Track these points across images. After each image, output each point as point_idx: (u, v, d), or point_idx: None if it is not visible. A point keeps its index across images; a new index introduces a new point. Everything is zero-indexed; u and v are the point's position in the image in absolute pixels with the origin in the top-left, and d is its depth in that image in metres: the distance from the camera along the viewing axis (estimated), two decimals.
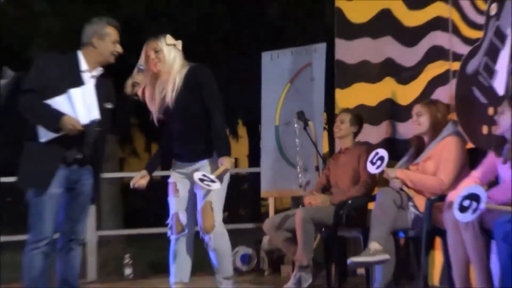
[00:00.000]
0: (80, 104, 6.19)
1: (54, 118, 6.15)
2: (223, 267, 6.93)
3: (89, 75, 6.39)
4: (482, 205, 5.63)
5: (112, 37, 6.42)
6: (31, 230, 6.35)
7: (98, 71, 6.44)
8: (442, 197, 6.66)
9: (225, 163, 6.65)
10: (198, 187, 6.80)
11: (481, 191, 5.69)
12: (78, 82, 6.31)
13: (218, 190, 6.73)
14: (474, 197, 5.70)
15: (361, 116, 8.51)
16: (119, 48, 6.44)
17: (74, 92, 6.19)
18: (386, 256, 6.69)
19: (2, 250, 12.72)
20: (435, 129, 7.05)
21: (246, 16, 14.93)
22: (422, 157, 7.04)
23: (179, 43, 6.88)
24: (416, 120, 7.14)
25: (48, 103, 6.18)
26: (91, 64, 6.41)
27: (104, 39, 6.39)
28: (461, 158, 6.89)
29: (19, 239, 7.83)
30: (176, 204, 6.99)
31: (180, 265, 7.03)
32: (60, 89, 6.21)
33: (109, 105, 6.46)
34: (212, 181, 6.56)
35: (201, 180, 6.53)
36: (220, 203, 6.85)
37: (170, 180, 7.14)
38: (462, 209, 5.71)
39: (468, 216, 5.70)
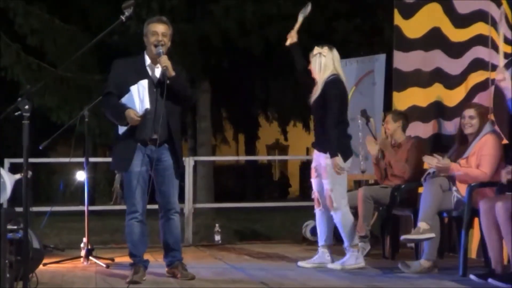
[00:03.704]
0: (137, 98, 6.27)
1: (121, 114, 6.30)
2: (345, 237, 7.20)
3: (154, 67, 6.46)
4: None
5: (151, 29, 6.43)
6: (127, 203, 6.55)
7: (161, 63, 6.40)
8: (481, 184, 6.64)
9: (333, 164, 6.98)
10: (324, 177, 7.09)
11: None
12: (143, 74, 6.40)
13: (336, 181, 7.05)
14: None
15: (402, 112, 8.49)
16: (157, 38, 6.38)
17: (133, 88, 6.29)
18: (432, 235, 6.67)
19: (114, 217, 12.94)
20: (480, 130, 7.00)
21: (320, 31, 14.88)
22: (468, 153, 6.94)
23: (324, 50, 7.15)
24: (468, 122, 6.99)
25: (122, 102, 6.33)
26: (151, 58, 6.48)
27: (147, 35, 6.45)
28: (498, 152, 6.82)
29: None
30: (316, 185, 7.27)
31: (322, 232, 7.31)
32: (129, 86, 6.32)
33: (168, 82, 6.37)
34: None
35: None
36: (338, 191, 7.08)
37: (312, 165, 7.33)
38: None
39: None
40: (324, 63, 7.17)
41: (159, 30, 6.42)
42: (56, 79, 13.06)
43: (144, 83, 6.31)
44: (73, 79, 13.28)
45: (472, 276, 6.08)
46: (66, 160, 9.03)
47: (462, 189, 6.82)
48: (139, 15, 12.39)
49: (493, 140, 6.87)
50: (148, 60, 6.49)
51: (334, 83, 7.12)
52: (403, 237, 6.88)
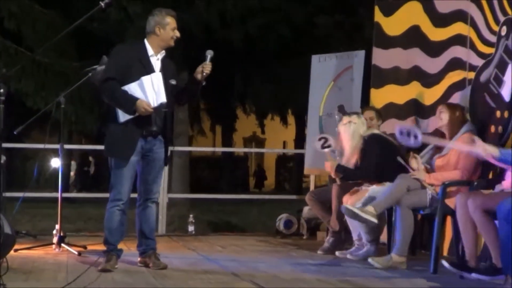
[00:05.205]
0: (150, 90, 6.29)
1: (130, 103, 6.26)
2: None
3: (155, 59, 6.50)
4: None
5: (171, 25, 6.48)
6: (112, 190, 6.52)
7: (162, 54, 6.55)
8: (455, 183, 6.68)
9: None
10: None
11: None
12: (148, 66, 6.42)
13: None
14: None
15: (380, 111, 8.54)
16: (177, 34, 6.52)
17: (145, 79, 6.31)
18: (374, 220, 6.82)
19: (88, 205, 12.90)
20: (453, 125, 7.01)
21: (301, 25, 14.90)
22: (446, 150, 6.98)
23: (353, 118, 7.74)
24: (439, 116, 7.13)
25: (125, 89, 6.30)
26: (155, 49, 6.50)
27: (165, 27, 6.46)
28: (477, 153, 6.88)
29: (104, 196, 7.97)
30: None
31: None
32: (134, 75, 6.33)
33: (173, 82, 6.56)
34: None
35: None
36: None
37: None
38: None
39: None
40: (354, 129, 7.70)
41: (176, 25, 6.51)
42: (33, 64, 13.00)
43: (158, 76, 6.38)
44: (51, 64, 13.22)
45: (445, 263, 6.10)
46: (41, 146, 8.99)
47: (437, 188, 6.86)
48: (119, 2, 12.35)
49: (471, 139, 6.90)
50: (150, 50, 6.50)
51: (367, 140, 7.72)
52: (344, 206, 7.13)
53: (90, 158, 23.85)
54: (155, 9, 6.61)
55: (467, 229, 6.08)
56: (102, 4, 5.38)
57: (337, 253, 7.68)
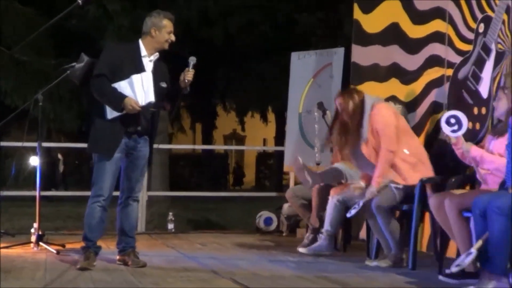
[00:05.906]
0: (140, 88, 6.33)
1: (118, 100, 6.28)
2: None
3: (148, 60, 6.49)
4: (460, 132, 5.95)
5: (168, 28, 6.50)
6: (94, 186, 6.51)
7: (155, 56, 6.55)
8: (431, 179, 6.71)
9: None
10: None
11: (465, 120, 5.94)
12: (139, 66, 6.42)
13: None
14: (458, 121, 5.93)
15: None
16: (173, 37, 6.53)
17: (135, 78, 6.34)
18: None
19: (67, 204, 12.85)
20: (356, 109, 6.87)
21: (283, 23, 14.93)
22: (365, 133, 6.78)
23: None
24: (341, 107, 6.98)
25: (114, 86, 6.31)
26: (149, 50, 6.50)
27: (161, 30, 6.47)
28: (392, 119, 6.81)
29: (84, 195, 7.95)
30: None
31: None
32: (125, 73, 6.34)
33: (163, 85, 6.57)
34: None
35: None
36: None
37: None
38: (448, 123, 5.94)
39: (447, 129, 5.95)
40: None
41: (172, 29, 6.52)
42: (11, 62, 12.97)
43: (149, 75, 6.41)
44: (29, 63, 13.18)
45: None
46: (19, 144, 8.96)
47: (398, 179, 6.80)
48: (98, 0, 12.33)
49: (380, 109, 6.86)
50: (143, 51, 6.50)
51: None
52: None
53: (59, 156, 23.38)
54: (153, 11, 6.61)
55: (450, 228, 6.03)
56: (80, 1, 5.37)
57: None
